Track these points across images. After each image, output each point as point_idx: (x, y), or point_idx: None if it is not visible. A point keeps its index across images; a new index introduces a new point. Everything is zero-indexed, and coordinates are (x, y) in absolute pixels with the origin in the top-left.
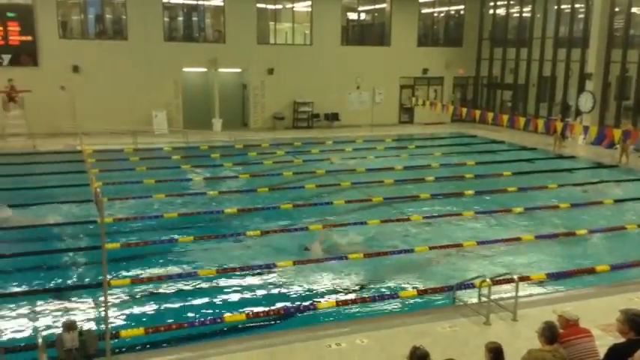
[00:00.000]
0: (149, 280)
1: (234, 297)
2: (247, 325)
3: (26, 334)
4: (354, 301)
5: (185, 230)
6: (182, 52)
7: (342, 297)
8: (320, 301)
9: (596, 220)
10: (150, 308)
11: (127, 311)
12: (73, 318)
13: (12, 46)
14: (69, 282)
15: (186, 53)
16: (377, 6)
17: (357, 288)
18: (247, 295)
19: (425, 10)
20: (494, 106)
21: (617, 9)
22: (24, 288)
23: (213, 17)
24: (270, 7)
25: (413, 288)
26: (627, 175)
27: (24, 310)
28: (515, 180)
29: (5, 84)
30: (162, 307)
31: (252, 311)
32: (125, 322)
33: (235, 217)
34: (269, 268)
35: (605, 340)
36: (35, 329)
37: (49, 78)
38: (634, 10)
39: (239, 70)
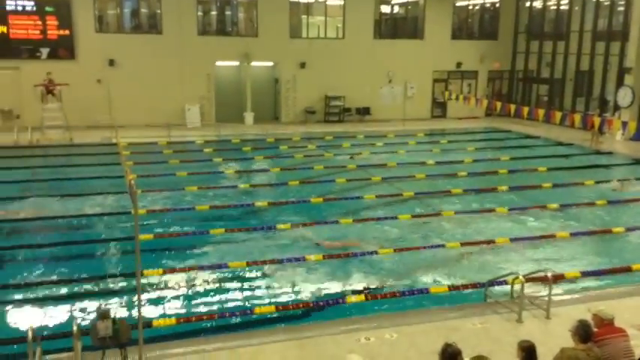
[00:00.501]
0: (181, 270)
1: (264, 289)
2: (276, 317)
3: (62, 321)
4: (383, 296)
5: (216, 222)
6: (215, 46)
7: (371, 291)
8: (349, 295)
9: (633, 218)
10: (181, 299)
11: (159, 301)
12: (107, 307)
13: (50, 40)
14: (104, 271)
15: (219, 47)
16: None
17: (386, 283)
18: (277, 287)
19: (459, 3)
20: (530, 101)
21: None
22: (60, 277)
23: (246, 11)
24: (303, 0)
25: (444, 284)
26: None
27: (60, 299)
28: (550, 176)
29: (44, 77)
30: (193, 298)
31: (281, 303)
32: (157, 312)
33: (266, 210)
34: (298, 261)
35: None
36: (71, 317)
37: (85, 71)
38: None
39: (271, 63)
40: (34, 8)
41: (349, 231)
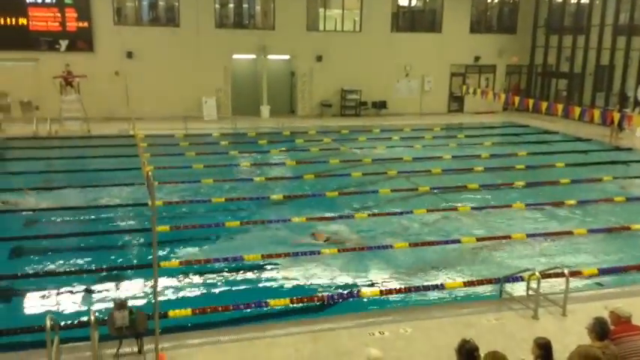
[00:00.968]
0: (197, 262)
1: (279, 282)
2: (291, 309)
3: (79, 311)
4: (398, 290)
5: (232, 215)
6: (232, 39)
7: (386, 286)
8: (364, 289)
9: None
10: (197, 290)
11: (175, 292)
12: (124, 297)
13: (69, 32)
14: (120, 262)
15: (236, 40)
16: None
17: (401, 277)
18: (292, 280)
19: None
20: (549, 96)
21: None
22: (78, 267)
23: (263, 4)
24: None
25: (459, 279)
26: None
27: (78, 289)
28: (568, 172)
29: (62, 69)
30: (208, 290)
31: (296, 296)
32: (173, 303)
33: (281, 204)
34: (313, 254)
35: None
36: (88, 307)
37: (103, 63)
38: None
39: (287, 57)
40: (54, 0)
41: (364, 225)
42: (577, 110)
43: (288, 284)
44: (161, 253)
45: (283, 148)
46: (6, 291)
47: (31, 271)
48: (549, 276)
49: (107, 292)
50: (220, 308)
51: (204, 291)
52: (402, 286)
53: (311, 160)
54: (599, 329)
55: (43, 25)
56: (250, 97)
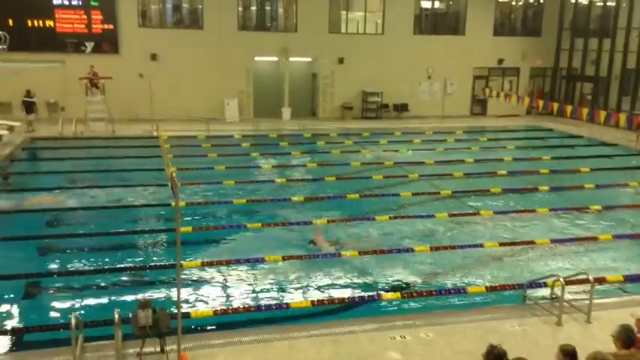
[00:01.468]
0: (218, 263)
1: (300, 284)
2: (311, 312)
3: (104, 310)
4: (419, 294)
5: (253, 216)
6: (255, 41)
7: (407, 289)
8: (385, 292)
9: None
10: (218, 290)
11: (197, 292)
12: (147, 297)
13: (95, 34)
14: (144, 262)
15: (258, 42)
16: None
17: (422, 281)
18: (312, 282)
19: None
20: (573, 99)
21: None
22: (102, 266)
23: (286, 6)
24: None
25: (481, 284)
26: None
27: (102, 287)
28: (593, 177)
29: (88, 70)
30: (229, 290)
31: (316, 299)
32: (195, 303)
33: (302, 206)
34: (334, 256)
35: None
36: (112, 306)
37: (128, 65)
38: None
39: (309, 59)
40: (80, 2)
41: (385, 228)
42: (602, 114)
43: (309, 286)
44: (183, 253)
45: (304, 150)
46: (32, 289)
47: (56, 270)
48: (574, 282)
49: (130, 291)
50: (241, 309)
51: (226, 292)
52: (424, 290)
53: (332, 162)
54: (625, 337)
55: (69, 27)
56: (272, 99)
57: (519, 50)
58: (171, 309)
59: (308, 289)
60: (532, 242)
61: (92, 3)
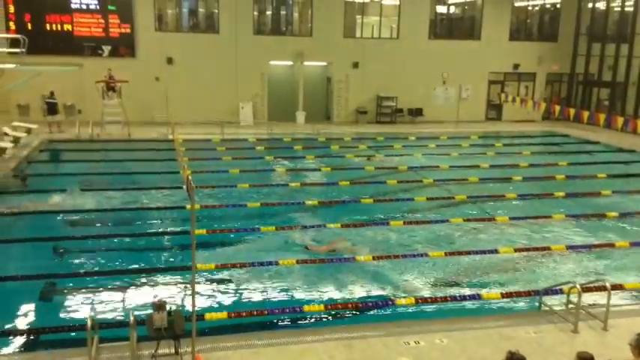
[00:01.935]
0: (232, 266)
1: (313, 287)
2: (325, 316)
3: (119, 312)
4: (434, 300)
5: (267, 219)
6: (270, 46)
7: (421, 295)
8: (399, 298)
9: None
10: (232, 293)
11: (211, 295)
12: (162, 299)
13: (112, 38)
14: (158, 264)
15: (273, 46)
16: None
17: (437, 286)
18: (326, 286)
19: (518, 4)
20: (590, 105)
21: None
22: (119, 268)
23: (301, 11)
24: (358, 0)
25: (496, 290)
26: None
27: (118, 289)
28: (610, 183)
29: (105, 74)
30: (243, 293)
31: (330, 303)
32: (209, 306)
33: (316, 209)
34: (348, 261)
35: None
36: (127, 308)
37: (145, 69)
38: None
39: (324, 63)
40: (98, 7)
41: (398, 232)
42: (620, 120)
43: (322, 290)
44: (198, 255)
45: (318, 154)
46: (48, 290)
47: (72, 271)
48: (590, 289)
49: (145, 293)
50: (255, 313)
51: (239, 295)
52: (438, 296)
53: (346, 166)
54: None
55: (86, 30)
56: (286, 102)
57: (535, 55)
58: (185, 311)
59: (321, 293)
60: (548, 248)
61: (110, 7)
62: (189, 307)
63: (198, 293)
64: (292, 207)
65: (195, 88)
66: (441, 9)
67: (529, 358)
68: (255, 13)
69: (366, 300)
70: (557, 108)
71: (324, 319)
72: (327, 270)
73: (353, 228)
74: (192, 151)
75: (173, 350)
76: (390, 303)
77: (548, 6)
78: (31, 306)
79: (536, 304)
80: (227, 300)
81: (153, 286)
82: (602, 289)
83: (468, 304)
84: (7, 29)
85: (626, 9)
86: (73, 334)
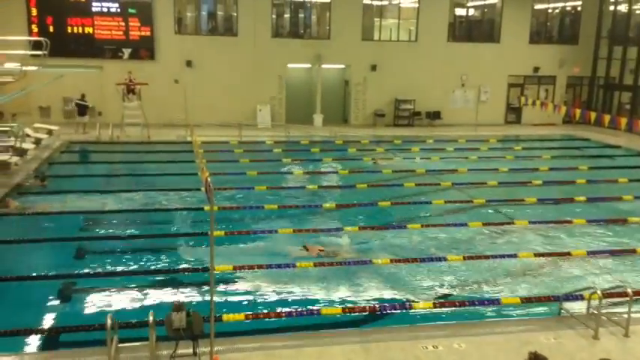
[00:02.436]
0: (250, 267)
1: (331, 290)
2: (342, 319)
3: (139, 312)
4: (452, 304)
5: (285, 222)
6: (288, 48)
7: (439, 299)
8: (417, 301)
9: None
10: (249, 295)
11: (229, 296)
12: (181, 299)
13: (132, 40)
14: (177, 265)
15: (291, 49)
16: (487, 1)
17: (455, 291)
18: (343, 289)
19: (538, 6)
20: (611, 108)
21: None
22: (137, 269)
23: (319, 14)
24: (377, 3)
25: (516, 295)
26: None
27: (137, 290)
28: (631, 188)
29: (125, 76)
30: (260, 295)
31: (348, 306)
32: (227, 307)
33: (333, 212)
34: (365, 264)
35: None
36: (146, 308)
37: (164, 72)
38: None
39: (342, 66)
40: (119, 10)
41: (417, 236)
42: None
43: (340, 293)
44: (216, 257)
45: (336, 157)
46: (68, 290)
47: (92, 271)
48: (611, 295)
49: (164, 294)
50: (272, 314)
51: (257, 296)
52: (456, 300)
53: (363, 169)
54: None
55: (107, 33)
56: (304, 105)
57: (556, 58)
58: (203, 312)
59: (339, 296)
60: (568, 253)
61: (130, 10)
62: (207, 308)
63: (217, 294)
64: (310, 209)
65: (214, 90)
66: (460, 11)
67: None
68: (274, 16)
69: (383, 303)
70: (578, 111)
71: (342, 322)
72: (344, 273)
73: (370, 231)
74: (210, 153)
75: (191, 351)
76: (408, 306)
77: (568, 8)
78: (51, 306)
79: (557, 309)
80: (245, 301)
81: (171, 286)
82: (624, 295)
83: (487, 309)
84: (30, 32)
85: None
86: (93, 333)
